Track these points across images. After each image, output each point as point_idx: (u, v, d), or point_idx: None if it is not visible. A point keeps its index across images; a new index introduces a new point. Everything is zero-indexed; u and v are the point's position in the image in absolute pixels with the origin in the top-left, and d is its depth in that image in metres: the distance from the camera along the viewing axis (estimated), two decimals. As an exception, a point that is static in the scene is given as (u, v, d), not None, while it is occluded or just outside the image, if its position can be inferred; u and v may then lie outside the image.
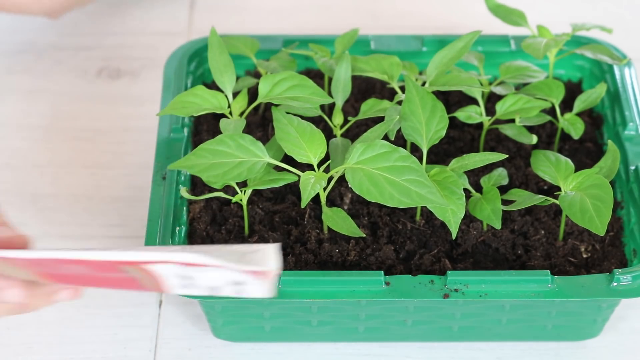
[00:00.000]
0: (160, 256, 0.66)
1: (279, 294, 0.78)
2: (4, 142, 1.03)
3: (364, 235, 0.81)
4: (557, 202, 0.81)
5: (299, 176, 0.80)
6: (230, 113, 0.86)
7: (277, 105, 0.84)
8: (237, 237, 0.85)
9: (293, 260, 0.83)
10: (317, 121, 0.88)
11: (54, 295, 0.72)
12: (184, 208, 0.85)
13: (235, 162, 0.78)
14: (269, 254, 0.66)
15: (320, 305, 0.80)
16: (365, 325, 0.83)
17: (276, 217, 0.86)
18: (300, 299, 0.78)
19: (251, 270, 0.65)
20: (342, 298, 0.78)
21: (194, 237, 0.85)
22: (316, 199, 0.86)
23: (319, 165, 0.81)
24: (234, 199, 0.82)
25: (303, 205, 0.78)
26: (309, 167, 0.82)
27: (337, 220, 0.81)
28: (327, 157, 0.83)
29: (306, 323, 0.83)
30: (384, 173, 0.76)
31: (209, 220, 0.86)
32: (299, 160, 0.81)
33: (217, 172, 0.78)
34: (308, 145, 0.81)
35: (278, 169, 0.82)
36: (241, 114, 0.87)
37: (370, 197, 0.76)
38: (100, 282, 0.70)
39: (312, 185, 0.79)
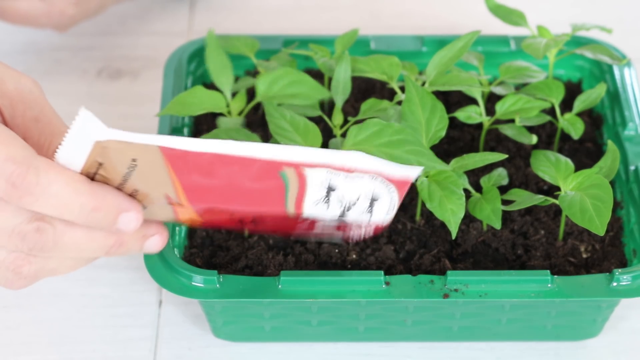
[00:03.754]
0: (326, 156, 0.68)
1: (279, 294, 0.78)
2: (4, 142, 1.03)
3: None
4: (557, 202, 0.81)
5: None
6: (229, 112, 0.86)
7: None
8: (237, 237, 0.85)
9: (293, 260, 0.83)
10: (317, 121, 0.88)
11: (146, 239, 0.72)
12: (184, 208, 0.85)
13: None
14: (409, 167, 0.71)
15: (320, 305, 0.81)
16: (365, 325, 0.83)
17: (276, 217, 0.86)
18: (300, 299, 0.78)
19: (399, 176, 0.70)
20: (342, 298, 0.78)
21: (194, 237, 0.85)
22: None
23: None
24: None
25: None
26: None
27: None
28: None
29: (306, 323, 0.83)
30: (382, 149, 0.76)
31: (209, 220, 0.86)
32: None
33: None
34: (303, 138, 0.81)
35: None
36: (240, 113, 0.87)
37: None
38: (243, 197, 0.69)
39: None
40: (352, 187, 0.70)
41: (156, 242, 0.72)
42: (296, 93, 0.85)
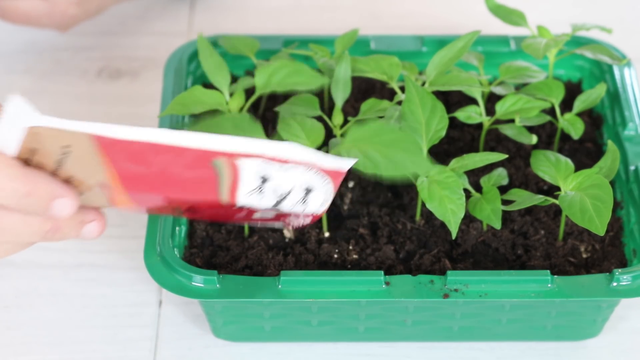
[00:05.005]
0: (259, 146, 0.68)
1: (279, 294, 0.78)
2: (4, 142, 1.02)
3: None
4: (557, 202, 0.81)
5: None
6: (229, 110, 0.86)
7: (279, 102, 0.84)
8: (237, 237, 0.85)
9: (293, 260, 0.83)
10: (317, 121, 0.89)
11: (84, 225, 0.71)
12: (184, 208, 0.85)
13: None
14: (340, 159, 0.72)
15: (320, 305, 0.81)
16: (365, 325, 0.83)
17: (276, 217, 0.86)
18: (300, 299, 0.78)
19: (332, 167, 0.70)
20: (342, 298, 0.78)
21: (194, 237, 0.85)
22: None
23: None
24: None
25: None
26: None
27: None
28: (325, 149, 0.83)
29: (306, 323, 0.83)
30: (377, 146, 0.76)
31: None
32: None
33: None
34: (307, 135, 0.81)
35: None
36: (240, 110, 0.87)
37: (365, 169, 0.76)
38: (177, 186, 0.69)
39: None
40: (286, 177, 0.70)
41: (94, 228, 0.72)
42: (295, 82, 0.85)
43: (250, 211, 0.74)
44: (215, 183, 0.69)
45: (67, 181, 0.69)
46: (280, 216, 0.76)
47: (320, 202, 0.73)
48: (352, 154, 0.76)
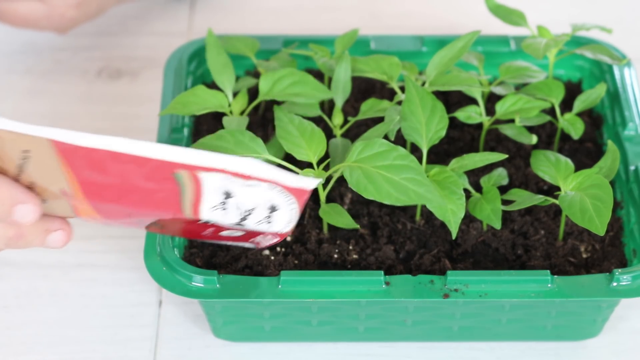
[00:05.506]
0: (221, 160, 0.67)
1: (279, 294, 0.78)
2: (4, 142, 1.02)
3: (358, 227, 0.81)
4: (557, 202, 0.81)
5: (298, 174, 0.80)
6: (231, 112, 0.86)
7: (279, 103, 0.84)
8: (237, 237, 0.85)
9: (293, 260, 0.83)
10: (317, 121, 0.89)
11: (48, 233, 0.71)
12: (184, 208, 0.85)
13: None
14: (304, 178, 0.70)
15: (320, 305, 0.81)
16: (365, 325, 0.83)
17: (276, 217, 0.86)
18: (300, 299, 0.78)
19: (296, 186, 0.68)
20: (342, 298, 0.78)
21: (194, 237, 0.85)
22: (316, 199, 0.86)
23: (319, 163, 0.81)
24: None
25: None
26: (309, 165, 0.82)
27: (334, 215, 0.81)
28: (327, 156, 0.83)
29: (306, 323, 0.83)
30: (381, 171, 0.76)
31: (209, 220, 0.86)
32: (298, 159, 0.81)
33: None
34: (308, 144, 0.81)
35: (278, 168, 0.82)
36: (242, 113, 0.87)
37: (367, 194, 0.76)
38: (138, 197, 0.68)
39: None
40: (249, 194, 0.69)
41: (59, 237, 0.71)
42: (298, 92, 0.86)
43: (217, 228, 0.73)
44: (177, 196, 0.68)
45: (30, 188, 0.68)
46: (250, 235, 0.75)
47: (285, 221, 0.72)
48: (355, 174, 0.76)
